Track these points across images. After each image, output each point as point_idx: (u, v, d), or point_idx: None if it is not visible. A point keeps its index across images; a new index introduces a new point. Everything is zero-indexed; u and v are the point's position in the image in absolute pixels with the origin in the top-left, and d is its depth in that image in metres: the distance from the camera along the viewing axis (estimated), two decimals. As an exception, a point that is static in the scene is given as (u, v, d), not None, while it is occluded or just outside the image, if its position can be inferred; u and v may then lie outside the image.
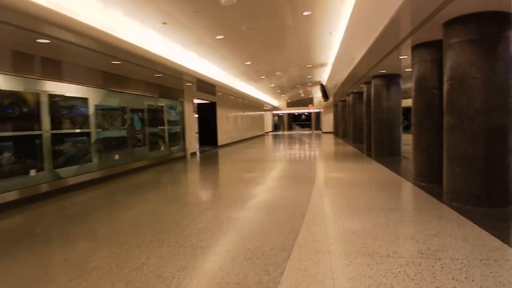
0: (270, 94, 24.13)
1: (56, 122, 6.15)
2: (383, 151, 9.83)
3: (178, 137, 11.66)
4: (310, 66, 13.99)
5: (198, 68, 9.32)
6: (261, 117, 31.33)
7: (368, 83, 11.24)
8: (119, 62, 6.56)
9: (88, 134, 7.06)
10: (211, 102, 16.18)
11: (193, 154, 12.77)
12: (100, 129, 7.44)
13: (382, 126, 9.86)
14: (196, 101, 16.45)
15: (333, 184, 6.14)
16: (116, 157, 7.99)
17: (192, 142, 12.97)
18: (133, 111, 8.84)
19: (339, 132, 22.90)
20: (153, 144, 9.85)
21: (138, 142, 9.04)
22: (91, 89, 7.21)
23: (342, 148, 13.92)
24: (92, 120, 7.21)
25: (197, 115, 16.97)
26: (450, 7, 4.00)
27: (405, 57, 7.12)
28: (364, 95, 11.62)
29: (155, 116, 10.02)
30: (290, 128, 44.44)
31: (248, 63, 11.13)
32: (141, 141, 9.16)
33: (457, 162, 4.48)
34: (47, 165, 5.90)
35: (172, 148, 11.10)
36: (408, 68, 8.91)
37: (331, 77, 15.14)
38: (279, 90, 22.37)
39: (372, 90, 10.11)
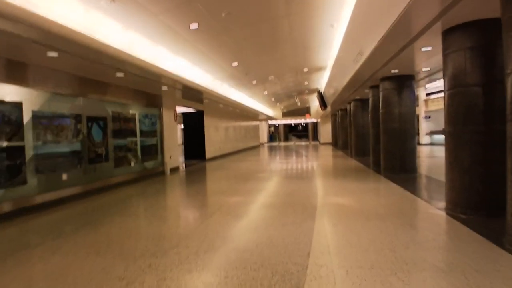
0: (265, 103, 22.66)
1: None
2: (395, 167, 8.26)
3: (154, 150, 10.04)
4: (306, 70, 12.54)
5: (175, 69, 7.77)
6: (256, 128, 29.80)
7: (374, 87, 9.74)
8: (56, 55, 4.98)
9: (20, 149, 5.42)
10: (198, 111, 14.61)
11: (175, 169, 11.13)
12: (40, 142, 5.81)
13: (393, 137, 8.31)
14: (182, 109, 14.91)
15: (340, 217, 4.52)
16: (64, 177, 6.34)
17: (174, 155, 11.35)
18: (92, 119, 7.23)
19: (338, 143, 21.38)
20: (120, 159, 8.21)
21: (98, 158, 7.39)
22: (28, 90, 5.61)
23: (343, 162, 12.33)
24: (28, 130, 5.59)
25: (182, 126, 15.38)
26: None
27: (429, 48, 5.60)
28: (370, 101, 10.11)
29: (123, 125, 8.41)
30: (286, 138, 42.94)
31: (235, 64, 9.61)
32: (102, 156, 7.52)
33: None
34: None
35: (146, 163, 9.45)
36: (426, 67, 7.42)
37: (330, 83, 13.66)
38: (274, 99, 20.90)
39: (381, 94, 8.59)
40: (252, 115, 23.55)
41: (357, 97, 13.20)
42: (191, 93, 10.79)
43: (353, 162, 11.93)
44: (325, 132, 29.06)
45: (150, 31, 6.19)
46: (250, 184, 7.56)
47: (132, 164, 8.73)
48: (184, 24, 6.17)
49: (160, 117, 10.37)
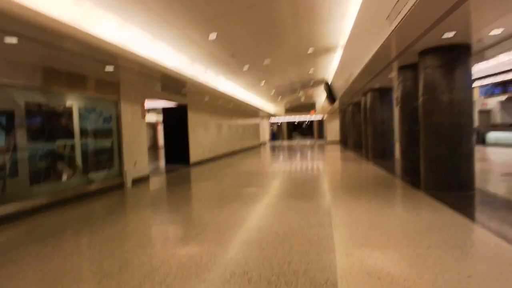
0: (265, 98, 20.02)
1: None
2: (443, 180, 5.60)
3: (107, 157, 7.47)
4: (312, 51, 9.86)
5: (133, 44, 5.22)
6: (256, 126, 27.17)
7: (407, 68, 7.09)
8: None
9: None
10: (181, 106, 12.03)
11: (142, 180, 8.56)
12: None
13: (441, 136, 5.65)
14: (159, 104, 12.34)
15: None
16: None
17: (141, 162, 8.79)
18: (-21, 113, 4.67)
19: (348, 142, 18.69)
20: (41, 172, 5.65)
21: (-6, 172, 4.84)
22: None
23: (360, 168, 9.67)
24: None
25: (162, 124, 12.80)
26: None
27: None
28: (400, 88, 7.44)
29: (49, 122, 5.85)
30: (290, 137, 40.27)
31: (213, 36, 6.96)
32: (3, 168, 4.96)
33: None
34: None
35: (93, 174, 6.89)
36: (498, 27, 4.75)
37: (341, 68, 11.00)
38: (274, 91, 18.23)
39: (421, 75, 5.92)
40: (250, 111, 20.93)
41: (376, 86, 10.52)
42: (163, 80, 8.21)
43: (372, 168, 9.25)
44: (332, 129, 26.38)
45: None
46: (228, 211, 4.94)
47: (65, 177, 6.16)
48: None
49: (117, 112, 7.79)
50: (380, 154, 10.98)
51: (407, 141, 7.19)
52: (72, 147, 6.36)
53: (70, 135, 6.33)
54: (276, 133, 37.99)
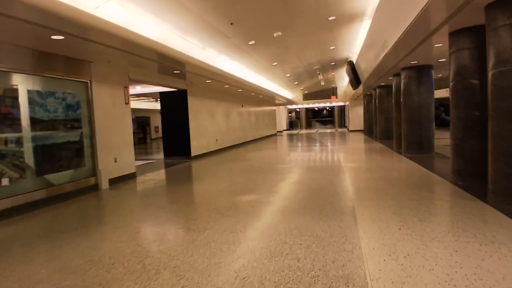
0: (281, 83, 18.15)
1: None
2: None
3: (76, 153, 6.01)
4: (333, 19, 7.95)
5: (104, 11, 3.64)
6: (272, 113, 25.38)
7: (465, 32, 5.17)
8: None
9: None
10: (180, 91, 10.46)
11: (125, 179, 7.11)
12: None
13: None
14: (159, 89, 10.85)
15: None
16: None
17: (125, 157, 7.32)
18: None
19: (374, 131, 16.66)
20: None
21: None
22: None
23: (393, 165, 7.84)
24: None
25: (160, 111, 11.30)
26: None
27: None
28: (453, 61, 5.50)
29: (-22, 110, 4.39)
30: (309, 125, 38.23)
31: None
32: None
33: None
34: None
35: (51, 176, 5.44)
36: None
37: (369, 43, 9.04)
38: (290, 75, 16.32)
39: (493, 39, 4.01)
40: (264, 98, 19.15)
41: (412, 63, 8.54)
42: (165, 63, 6.65)
43: (409, 166, 7.39)
44: (356, 117, 24.24)
45: None
46: (205, 237, 3.34)
47: (7, 181, 4.72)
48: None
49: (88, 96, 6.28)
50: (416, 147, 9.04)
51: (462, 131, 5.29)
52: (18, 142, 4.90)
53: (15, 126, 4.86)
54: (293, 122, 36.03)
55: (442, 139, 11.46)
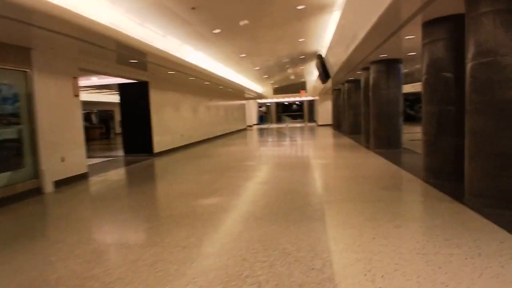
0: (250, 76, 17.66)
1: None
2: None
3: (12, 152, 5.24)
4: (303, 7, 7.55)
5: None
6: (242, 108, 24.87)
7: (440, 22, 4.93)
8: None
9: None
10: (140, 82, 9.70)
11: (77, 180, 6.37)
12: None
13: (508, 119, 3.58)
14: (119, 80, 10.02)
15: None
16: None
17: (75, 155, 6.56)
18: None
19: (342, 126, 16.65)
20: None
21: None
22: None
23: (363, 162, 7.67)
24: None
25: (120, 104, 10.46)
26: None
27: None
28: (426, 53, 5.27)
29: None
30: (279, 120, 38.10)
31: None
32: None
33: None
34: None
35: (-20, 179, 4.67)
36: None
37: (339, 35, 8.77)
38: (259, 68, 15.86)
39: (473, 27, 3.77)
40: (234, 92, 18.60)
41: (382, 57, 8.37)
42: (99, 44, 5.92)
43: (380, 163, 7.22)
44: (324, 112, 24.29)
45: None
46: (152, 254, 2.84)
47: None
48: None
49: (28, 88, 5.49)
50: (384, 142, 8.94)
51: (436, 127, 5.09)
52: None
53: None
54: (264, 116, 35.73)
55: (409, 134, 11.52)
